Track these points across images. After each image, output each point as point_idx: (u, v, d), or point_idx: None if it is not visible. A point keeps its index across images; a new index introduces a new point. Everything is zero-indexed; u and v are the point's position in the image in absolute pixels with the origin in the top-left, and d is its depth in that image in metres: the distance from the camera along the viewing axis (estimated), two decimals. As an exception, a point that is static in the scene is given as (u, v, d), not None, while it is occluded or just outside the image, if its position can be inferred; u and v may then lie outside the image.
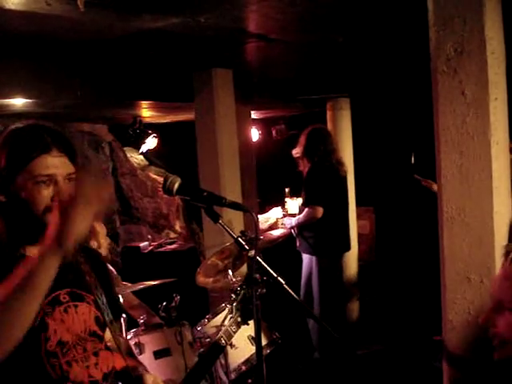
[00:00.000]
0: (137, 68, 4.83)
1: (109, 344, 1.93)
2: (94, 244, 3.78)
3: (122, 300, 3.29)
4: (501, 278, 1.61)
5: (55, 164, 1.73)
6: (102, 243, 3.80)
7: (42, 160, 1.71)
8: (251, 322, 2.18)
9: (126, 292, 3.50)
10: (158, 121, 7.33)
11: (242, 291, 2.28)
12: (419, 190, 5.52)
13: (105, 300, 1.91)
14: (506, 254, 1.60)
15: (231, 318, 2.47)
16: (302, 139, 5.07)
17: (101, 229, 3.82)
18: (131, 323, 3.47)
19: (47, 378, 1.69)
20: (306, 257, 5.13)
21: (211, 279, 3.89)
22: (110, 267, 4.07)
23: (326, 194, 4.93)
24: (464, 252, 2.60)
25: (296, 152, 5.25)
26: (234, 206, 2.06)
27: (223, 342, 2.33)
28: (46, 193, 1.71)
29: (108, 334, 1.92)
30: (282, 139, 7.89)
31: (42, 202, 1.71)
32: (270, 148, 8.16)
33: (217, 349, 2.35)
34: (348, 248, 5.36)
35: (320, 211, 4.85)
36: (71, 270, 1.83)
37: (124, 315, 3.23)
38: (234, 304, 2.45)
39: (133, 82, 4.94)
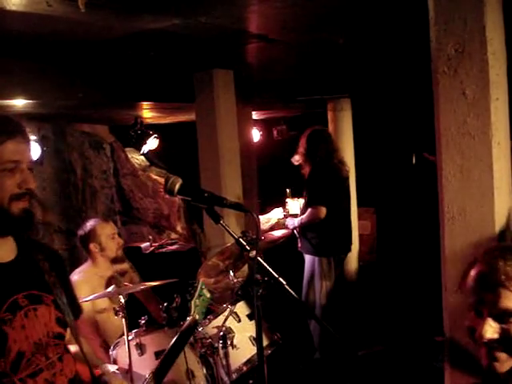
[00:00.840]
0: (138, 69, 4.83)
1: (70, 346, 1.86)
2: (95, 247, 3.77)
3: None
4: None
5: (21, 150, 1.68)
6: (107, 244, 3.79)
7: (8, 145, 1.65)
8: (252, 323, 2.19)
9: (138, 288, 3.50)
10: (159, 121, 7.33)
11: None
12: (420, 191, 5.51)
13: (65, 300, 1.83)
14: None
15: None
16: (303, 141, 5.08)
17: (102, 230, 3.81)
18: (131, 324, 3.47)
19: None
20: (308, 257, 5.12)
21: (212, 280, 3.89)
22: (130, 266, 4.10)
23: (329, 194, 4.93)
24: (465, 252, 2.60)
25: (296, 160, 5.26)
26: (235, 206, 2.06)
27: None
28: (12, 181, 1.65)
29: (68, 335, 1.85)
30: (283, 140, 7.89)
31: (8, 190, 1.64)
32: (271, 148, 8.15)
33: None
34: (350, 248, 5.36)
35: (323, 211, 4.85)
36: (29, 270, 1.76)
37: (124, 315, 3.22)
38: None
39: (134, 82, 4.94)
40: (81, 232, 3.84)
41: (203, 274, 3.79)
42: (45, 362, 1.68)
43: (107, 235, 3.79)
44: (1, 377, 1.58)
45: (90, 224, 3.83)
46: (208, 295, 2.69)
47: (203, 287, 2.67)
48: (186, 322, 2.60)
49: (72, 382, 1.78)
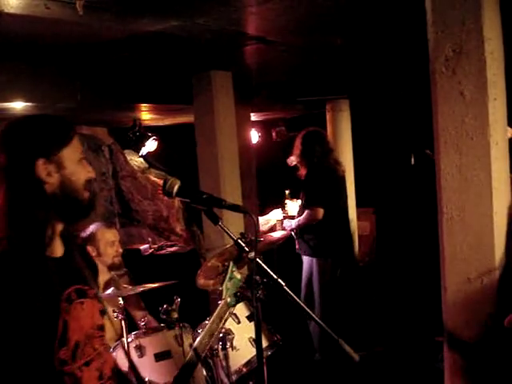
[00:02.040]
0: (136, 71, 4.83)
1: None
2: (92, 251, 3.77)
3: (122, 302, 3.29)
4: None
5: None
6: (105, 250, 3.78)
7: (76, 139, 1.80)
8: (252, 324, 2.19)
9: (129, 294, 3.49)
10: (157, 123, 7.33)
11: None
12: (419, 191, 5.51)
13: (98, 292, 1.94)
14: None
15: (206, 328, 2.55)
16: (298, 143, 5.08)
17: (102, 235, 3.80)
18: (132, 326, 3.47)
19: None
20: (305, 259, 5.12)
21: (212, 281, 3.88)
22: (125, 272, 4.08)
23: (326, 195, 4.93)
24: (464, 252, 2.60)
25: (291, 161, 5.26)
26: (234, 207, 2.06)
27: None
28: (86, 169, 1.80)
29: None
30: (282, 141, 7.89)
31: (82, 178, 1.77)
32: (270, 150, 8.16)
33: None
34: (348, 249, 5.35)
35: (321, 212, 4.85)
36: (74, 265, 1.84)
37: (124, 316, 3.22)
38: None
39: (132, 84, 4.95)
40: (83, 234, 3.84)
41: (202, 276, 3.79)
42: (93, 353, 1.78)
43: (106, 241, 3.78)
44: (63, 364, 1.66)
45: (92, 227, 3.82)
46: (238, 276, 2.68)
47: (234, 269, 2.66)
48: (218, 307, 2.59)
49: (113, 372, 1.89)
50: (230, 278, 2.55)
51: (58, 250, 1.79)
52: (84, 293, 1.81)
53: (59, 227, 1.78)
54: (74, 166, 1.75)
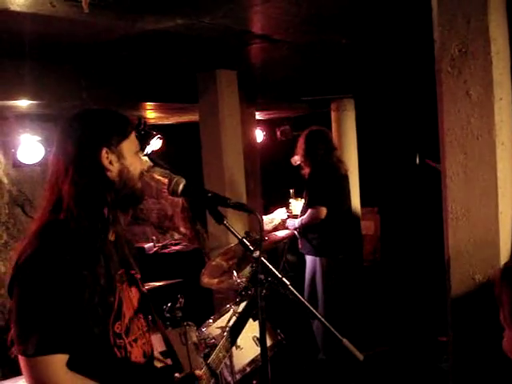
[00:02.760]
0: (141, 69, 4.84)
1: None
2: None
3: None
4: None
5: None
6: None
7: (134, 133, 1.94)
8: (256, 323, 2.18)
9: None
10: (162, 122, 7.34)
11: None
12: (424, 191, 5.50)
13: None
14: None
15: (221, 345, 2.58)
16: (301, 142, 5.08)
17: None
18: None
19: (113, 359, 1.79)
20: (309, 258, 5.12)
21: (216, 280, 3.89)
22: None
23: (329, 194, 4.92)
24: (469, 252, 2.60)
25: (295, 161, 5.26)
26: (239, 206, 2.06)
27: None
28: (140, 162, 1.95)
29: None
30: (287, 140, 7.89)
31: (138, 169, 1.91)
32: (275, 149, 8.15)
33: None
34: (352, 248, 5.35)
35: (324, 211, 4.85)
36: (122, 250, 1.98)
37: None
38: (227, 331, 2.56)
39: (137, 83, 4.95)
40: None
41: (207, 275, 3.79)
42: (138, 332, 1.92)
43: None
44: (117, 337, 1.80)
45: None
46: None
47: None
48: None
49: (152, 354, 2.04)
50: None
51: (112, 234, 1.92)
52: (132, 276, 1.96)
53: (113, 213, 1.89)
54: (132, 157, 1.90)
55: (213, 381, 2.54)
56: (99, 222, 1.81)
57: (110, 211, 1.85)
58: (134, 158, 1.91)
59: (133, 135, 1.92)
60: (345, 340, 1.96)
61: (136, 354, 1.88)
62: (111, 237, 1.91)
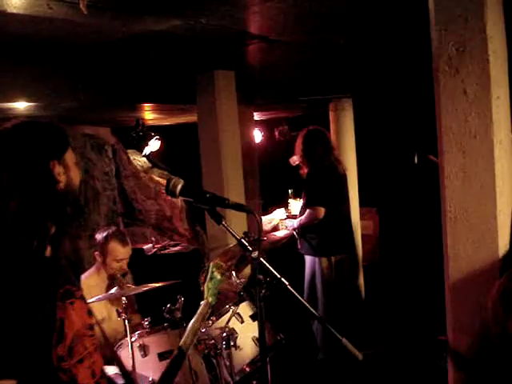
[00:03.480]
0: (139, 70, 4.84)
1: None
2: (99, 257, 3.80)
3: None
4: None
5: None
6: (110, 263, 3.78)
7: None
8: (255, 324, 2.19)
9: (141, 290, 3.49)
10: (160, 123, 7.34)
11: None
12: (422, 190, 5.51)
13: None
14: None
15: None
16: (299, 142, 5.09)
17: (113, 249, 3.78)
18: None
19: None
20: (308, 258, 5.12)
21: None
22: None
23: (327, 194, 4.93)
24: (467, 251, 2.60)
25: (294, 161, 5.26)
26: (237, 207, 2.06)
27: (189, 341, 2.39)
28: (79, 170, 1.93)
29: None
30: (285, 140, 7.89)
31: (79, 178, 1.91)
32: (273, 149, 8.16)
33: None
34: (351, 248, 5.35)
35: (322, 211, 4.85)
36: (61, 266, 1.88)
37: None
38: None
39: (135, 84, 4.95)
40: (98, 236, 3.84)
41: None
42: (84, 351, 1.83)
43: (114, 256, 3.76)
44: (60, 360, 1.72)
45: (106, 234, 3.80)
46: (219, 277, 2.72)
47: (214, 270, 2.70)
48: (201, 307, 2.60)
49: (102, 372, 1.92)
50: (211, 278, 2.59)
51: (48, 249, 1.84)
52: (72, 293, 1.85)
53: (59, 227, 1.85)
54: (74, 168, 1.89)
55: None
56: (37, 239, 1.74)
57: (54, 225, 1.81)
58: (75, 169, 1.90)
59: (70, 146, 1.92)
60: (344, 339, 1.97)
61: (83, 376, 1.80)
62: (47, 253, 1.82)
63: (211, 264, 2.59)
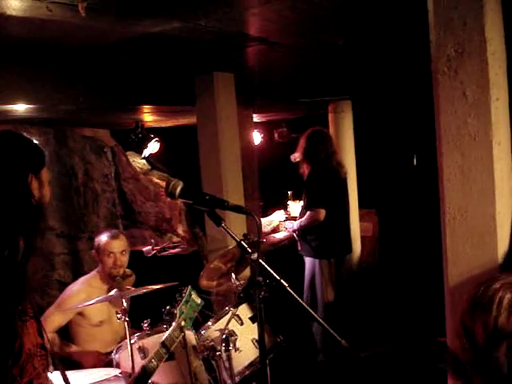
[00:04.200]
0: (138, 72, 4.84)
1: None
2: (96, 257, 3.83)
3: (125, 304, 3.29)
4: None
5: None
6: (104, 260, 3.80)
7: None
8: (255, 325, 2.19)
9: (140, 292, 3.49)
10: (159, 125, 7.34)
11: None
12: (422, 192, 5.50)
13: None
14: None
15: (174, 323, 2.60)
16: (302, 142, 5.09)
17: (105, 246, 3.82)
18: (134, 326, 3.47)
19: None
20: (308, 260, 5.12)
21: (214, 283, 3.89)
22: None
23: (328, 196, 4.93)
24: (467, 253, 2.60)
25: (295, 157, 5.26)
26: (237, 209, 2.06)
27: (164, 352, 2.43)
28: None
29: None
30: (284, 142, 7.90)
31: (48, 198, 1.92)
32: (273, 151, 8.16)
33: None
34: (350, 250, 5.35)
35: (322, 213, 4.85)
36: (17, 283, 1.82)
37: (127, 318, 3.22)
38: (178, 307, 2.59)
39: (134, 86, 4.95)
40: (96, 239, 3.88)
41: (205, 277, 3.79)
42: (33, 372, 1.77)
43: (107, 251, 3.78)
44: (13, 381, 1.69)
45: (102, 236, 3.84)
46: (198, 301, 2.73)
47: (192, 293, 2.71)
48: (171, 328, 2.64)
49: None
50: (187, 302, 2.59)
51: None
52: (26, 311, 1.81)
53: (28, 241, 1.83)
54: (47, 186, 1.92)
55: None
56: (9, 250, 1.73)
57: (24, 239, 1.80)
58: (47, 187, 1.92)
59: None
60: (343, 341, 1.97)
61: None
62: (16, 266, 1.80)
63: (188, 288, 2.61)
